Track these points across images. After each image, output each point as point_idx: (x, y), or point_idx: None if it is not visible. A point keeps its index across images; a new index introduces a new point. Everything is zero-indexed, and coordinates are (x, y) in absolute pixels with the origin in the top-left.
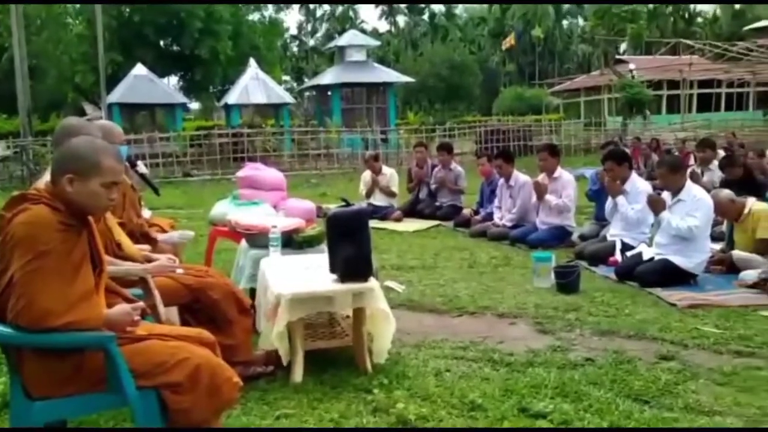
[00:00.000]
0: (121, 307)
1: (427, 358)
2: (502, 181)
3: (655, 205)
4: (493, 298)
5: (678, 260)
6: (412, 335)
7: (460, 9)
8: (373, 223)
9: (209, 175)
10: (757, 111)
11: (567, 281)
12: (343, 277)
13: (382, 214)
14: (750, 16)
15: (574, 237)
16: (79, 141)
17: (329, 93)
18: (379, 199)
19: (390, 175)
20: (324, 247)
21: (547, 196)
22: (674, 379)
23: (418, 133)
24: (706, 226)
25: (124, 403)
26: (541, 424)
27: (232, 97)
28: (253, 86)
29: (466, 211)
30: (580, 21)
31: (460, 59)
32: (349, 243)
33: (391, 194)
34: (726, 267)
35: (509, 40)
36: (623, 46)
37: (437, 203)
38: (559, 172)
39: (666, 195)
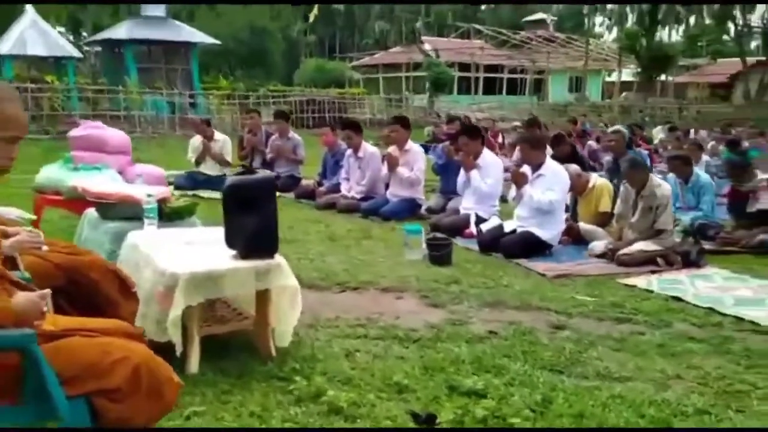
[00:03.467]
0: (26, 296)
1: (329, 339)
2: (350, 152)
3: (519, 179)
4: (370, 271)
5: (539, 232)
6: (302, 313)
7: None
8: (205, 194)
9: None
10: (532, 96)
11: (441, 254)
12: (246, 254)
13: (215, 183)
14: (528, 7)
15: (422, 210)
16: None
17: (117, 50)
18: (210, 168)
19: (223, 141)
20: (194, 220)
21: (399, 169)
22: (576, 347)
23: (230, 99)
24: (563, 200)
25: (42, 416)
26: (485, 403)
27: (5, 47)
28: (32, 36)
29: (308, 182)
30: None
31: (262, 25)
32: (252, 215)
33: (224, 162)
34: (572, 238)
35: (314, 10)
36: (417, 25)
37: (274, 173)
38: (410, 144)
39: (526, 169)
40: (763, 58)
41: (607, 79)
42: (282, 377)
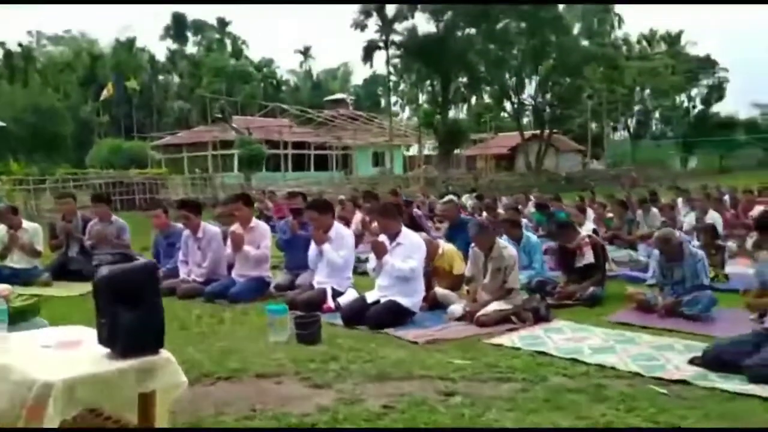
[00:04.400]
0: None
1: None
2: (188, 233)
3: (378, 249)
4: (237, 359)
5: (402, 300)
6: (177, 413)
7: (38, 52)
8: (16, 290)
9: None
10: (340, 171)
11: (310, 332)
12: (127, 352)
13: (25, 277)
14: (325, 88)
15: (271, 288)
16: None
17: None
18: (17, 260)
19: (33, 230)
20: (39, 321)
21: (245, 247)
22: (473, 412)
23: (24, 185)
24: (422, 266)
25: None
26: None
27: None
28: None
29: None
30: (176, 78)
31: (48, 105)
32: (134, 307)
33: (35, 253)
34: (429, 304)
35: (108, 89)
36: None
37: (96, 262)
38: (255, 222)
39: (384, 239)
40: (537, 132)
41: (406, 153)
42: None
